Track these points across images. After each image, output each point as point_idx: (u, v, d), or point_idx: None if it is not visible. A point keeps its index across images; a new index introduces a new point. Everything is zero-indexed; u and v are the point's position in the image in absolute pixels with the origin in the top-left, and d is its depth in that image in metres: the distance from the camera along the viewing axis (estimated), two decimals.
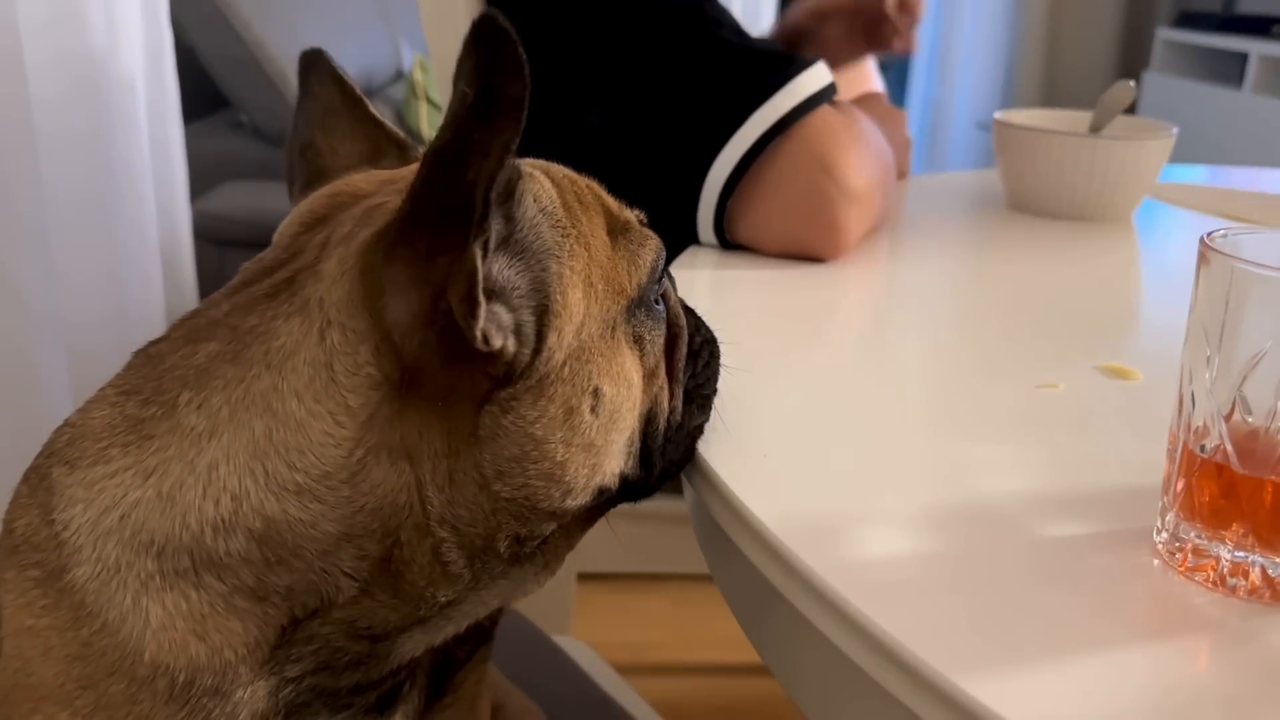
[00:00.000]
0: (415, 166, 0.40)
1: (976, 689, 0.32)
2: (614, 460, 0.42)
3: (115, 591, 0.36)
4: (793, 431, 0.50)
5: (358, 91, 0.50)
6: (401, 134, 0.51)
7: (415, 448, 0.37)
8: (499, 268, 0.38)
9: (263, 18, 2.03)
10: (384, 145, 0.50)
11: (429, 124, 2.31)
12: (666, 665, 1.45)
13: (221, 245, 1.75)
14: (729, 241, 0.82)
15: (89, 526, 0.37)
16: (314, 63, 0.49)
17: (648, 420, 0.45)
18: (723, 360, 0.52)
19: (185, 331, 0.40)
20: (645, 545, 1.11)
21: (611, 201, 0.47)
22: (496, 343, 0.37)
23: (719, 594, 0.53)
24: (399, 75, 2.61)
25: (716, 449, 0.47)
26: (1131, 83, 0.96)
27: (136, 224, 1.15)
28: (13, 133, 0.89)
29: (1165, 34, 3.16)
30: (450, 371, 0.37)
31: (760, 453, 0.48)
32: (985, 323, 0.69)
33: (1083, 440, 0.50)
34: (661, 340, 0.46)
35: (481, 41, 0.32)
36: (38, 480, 0.39)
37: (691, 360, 0.48)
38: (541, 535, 0.41)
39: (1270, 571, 0.36)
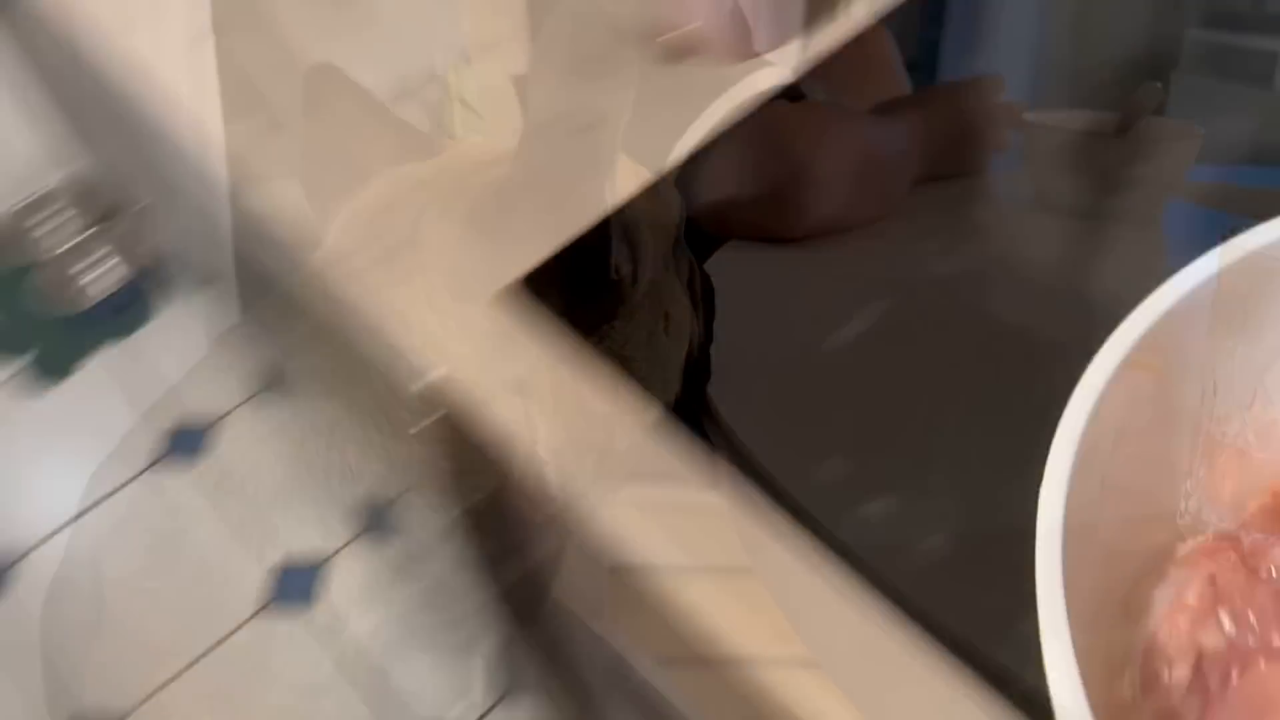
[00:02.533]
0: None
1: (1011, 661, 0.34)
2: (677, 375, 0.49)
3: None
4: (826, 421, 0.52)
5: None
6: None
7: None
8: None
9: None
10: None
11: (462, 125, 2.33)
12: (697, 657, 1.46)
13: None
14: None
15: None
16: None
17: None
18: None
19: None
20: (677, 538, 1.13)
21: None
22: (625, 269, 0.44)
23: (749, 588, 0.55)
24: (431, 78, 2.64)
25: (760, 438, 0.49)
26: (1159, 85, 0.97)
27: None
28: None
29: (1195, 34, 3.15)
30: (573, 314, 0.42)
31: (798, 439, 0.50)
32: (1012, 318, 0.71)
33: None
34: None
35: None
36: None
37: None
38: None
39: None
